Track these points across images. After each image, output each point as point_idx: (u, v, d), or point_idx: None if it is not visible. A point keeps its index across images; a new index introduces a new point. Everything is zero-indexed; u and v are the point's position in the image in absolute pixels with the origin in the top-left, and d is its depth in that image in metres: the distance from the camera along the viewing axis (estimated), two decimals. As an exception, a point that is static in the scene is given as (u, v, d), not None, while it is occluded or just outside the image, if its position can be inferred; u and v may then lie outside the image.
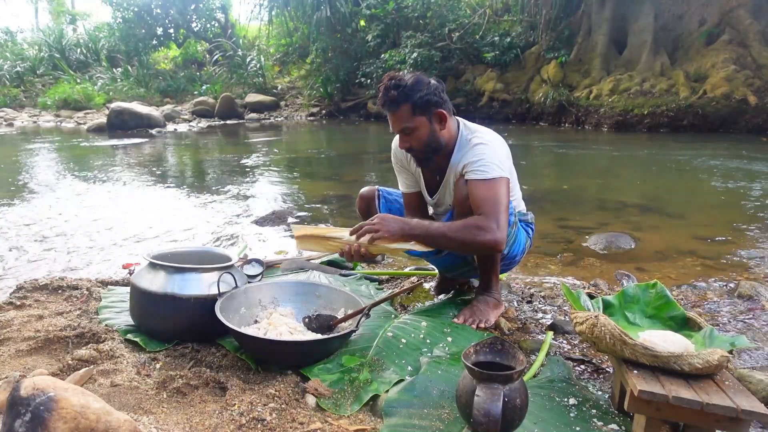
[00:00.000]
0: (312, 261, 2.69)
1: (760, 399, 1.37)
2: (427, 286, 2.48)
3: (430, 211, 2.23)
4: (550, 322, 2.10)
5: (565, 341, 1.95)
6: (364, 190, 2.30)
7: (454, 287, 2.38)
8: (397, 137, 2.09)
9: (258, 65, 16.45)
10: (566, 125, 10.97)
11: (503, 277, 2.38)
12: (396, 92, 1.82)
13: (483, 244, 1.73)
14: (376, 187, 2.29)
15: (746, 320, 2.13)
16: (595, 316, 1.38)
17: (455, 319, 1.97)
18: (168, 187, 5.43)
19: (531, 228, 2.13)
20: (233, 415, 1.36)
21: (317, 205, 4.60)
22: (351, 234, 1.81)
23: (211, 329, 1.73)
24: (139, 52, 18.02)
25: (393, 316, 2.01)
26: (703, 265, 2.87)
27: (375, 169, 6.56)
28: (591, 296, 1.72)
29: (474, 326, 1.93)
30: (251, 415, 1.35)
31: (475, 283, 2.30)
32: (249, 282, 1.97)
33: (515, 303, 2.33)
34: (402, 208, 2.25)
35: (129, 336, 1.81)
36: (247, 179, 5.91)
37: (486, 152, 1.84)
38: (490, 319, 1.98)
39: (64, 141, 10.12)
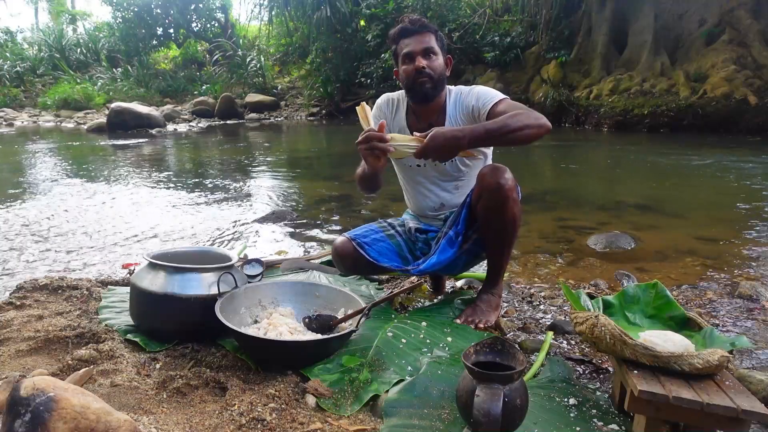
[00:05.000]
0: (312, 261, 2.69)
1: (761, 399, 1.36)
2: (427, 286, 2.48)
3: (421, 171, 2.16)
4: (550, 322, 2.10)
5: (565, 341, 1.95)
6: (338, 246, 2.12)
7: (444, 284, 2.41)
8: (385, 95, 2.21)
9: (258, 65, 16.45)
10: (566, 125, 10.97)
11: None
12: (426, 21, 2.06)
13: (540, 124, 1.81)
14: (348, 238, 2.11)
15: (746, 320, 2.13)
16: (595, 316, 1.38)
17: (456, 319, 1.97)
18: (168, 187, 5.43)
19: None
20: (233, 415, 1.36)
21: (317, 205, 4.60)
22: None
23: (211, 329, 1.73)
24: (139, 52, 18.04)
25: (393, 316, 2.01)
26: (703, 265, 2.87)
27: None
28: (591, 296, 1.72)
29: (474, 326, 1.93)
30: (251, 415, 1.35)
31: (476, 283, 2.30)
32: (249, 282, 1.97)
33: (515, 303, 2.33)
34: (384, 240, 2.16)
35: (129, 336, 1.81)
36: (247, 179, 5.91)
37: (485, 89, 2.05)
38: (490, 319, 1.98)
39: (64, 141, 10.11)
